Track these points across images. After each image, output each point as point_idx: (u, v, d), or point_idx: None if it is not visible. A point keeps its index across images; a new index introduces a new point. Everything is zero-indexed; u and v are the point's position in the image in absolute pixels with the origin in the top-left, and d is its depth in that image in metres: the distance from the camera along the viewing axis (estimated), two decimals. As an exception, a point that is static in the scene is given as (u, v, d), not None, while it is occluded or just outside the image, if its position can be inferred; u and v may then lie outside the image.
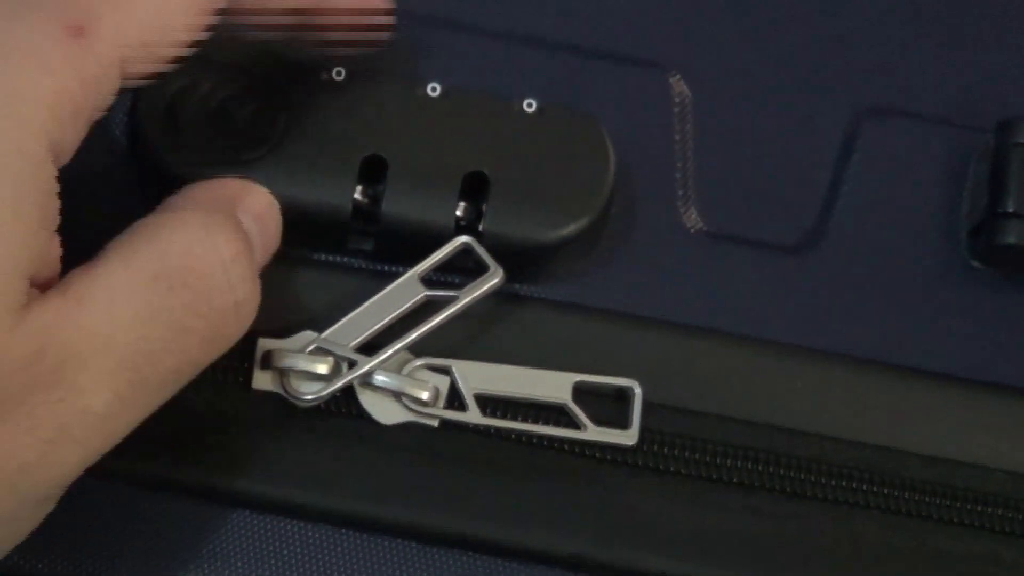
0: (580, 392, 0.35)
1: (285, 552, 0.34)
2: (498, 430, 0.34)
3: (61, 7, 0.28)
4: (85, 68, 0.27)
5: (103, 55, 0.28)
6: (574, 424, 0.34)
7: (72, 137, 0.28)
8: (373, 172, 0.35)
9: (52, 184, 0.27)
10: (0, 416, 0.26)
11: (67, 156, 0.28)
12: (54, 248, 0.29)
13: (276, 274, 0.35)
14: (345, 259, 0.36)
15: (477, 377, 0.35)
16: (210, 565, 0.34)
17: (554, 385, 0.35)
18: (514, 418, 0.34)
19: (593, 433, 0.34)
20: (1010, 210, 0.36)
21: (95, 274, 0.28)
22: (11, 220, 0.26)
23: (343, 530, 0.34)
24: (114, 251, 0.29)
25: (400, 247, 0.35)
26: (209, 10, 0.30)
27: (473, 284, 0.34)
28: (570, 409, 0.34)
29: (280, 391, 0.34)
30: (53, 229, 0.28)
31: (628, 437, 0.34)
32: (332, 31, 0.33)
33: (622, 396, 0.35)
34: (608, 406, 0.35)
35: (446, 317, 0.34)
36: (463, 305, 0.34)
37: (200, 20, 0.30)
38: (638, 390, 0.35)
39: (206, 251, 0.29)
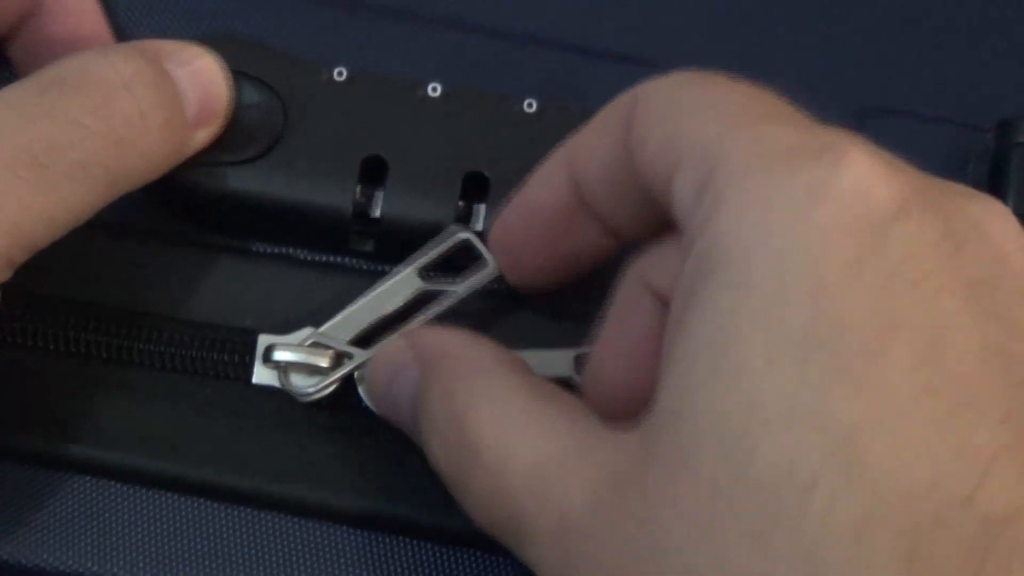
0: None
1: (285, 550, 0.34)
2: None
3: None
4: None
5: None
6: None
7: None
8: (373, 172, 0.35)
9: None
10: None
11: None
12: None
13: (278, 274, 0.36)
14: (346, 259, 0.36)
15: None
16: (211, 564, 0.34)
17: (556, 363, 0.35)
18: None
19: None
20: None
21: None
22: None
23: (345, 528, 0.34)
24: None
25: (400, 247, 0.35)
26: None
27: (471, 278, 0.34)
28: (575, 382, 0.34)
29: (280, 385, 0.34)
30: None
31: None
32: None
33: None
34: None
35: (444, 308, 0.34)
36: (460, 296, 0.34)
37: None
38: None
39: (102, 66, 0.31)
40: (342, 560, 0.34)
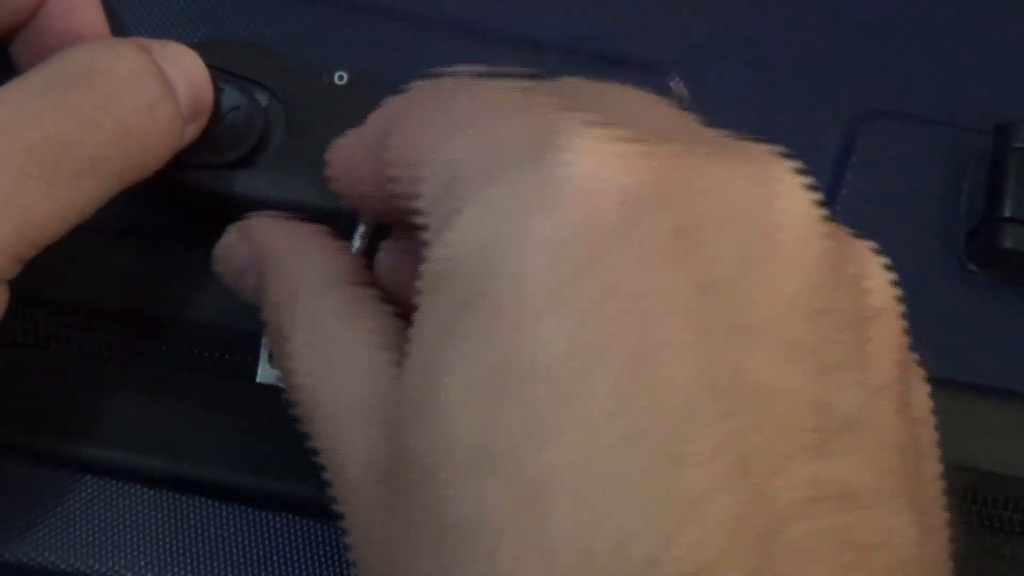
0: None
1: (287, 549, 0.34)
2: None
3: None
4: None
5: None
6: None
7: None
8: None
9: None
10: None
11: None
12: None
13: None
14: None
15: None
16: (213, 562, 0.34)
17: None
18: None
19: None
20: (1007, 215, 0.36)
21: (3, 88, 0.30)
22: None
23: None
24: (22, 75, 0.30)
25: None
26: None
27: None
28: None
29: (284, 385, 0.34)
30: None
31: None
32: None
33: None
34: None
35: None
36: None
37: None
38: None
39: (110, 61, 0.30)
40: (346, 559, 0.34)
